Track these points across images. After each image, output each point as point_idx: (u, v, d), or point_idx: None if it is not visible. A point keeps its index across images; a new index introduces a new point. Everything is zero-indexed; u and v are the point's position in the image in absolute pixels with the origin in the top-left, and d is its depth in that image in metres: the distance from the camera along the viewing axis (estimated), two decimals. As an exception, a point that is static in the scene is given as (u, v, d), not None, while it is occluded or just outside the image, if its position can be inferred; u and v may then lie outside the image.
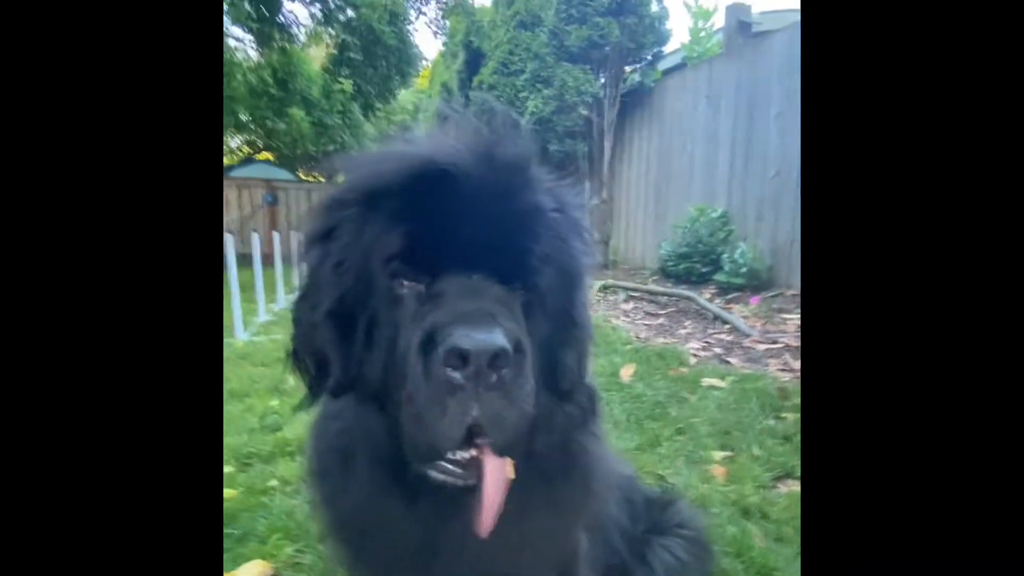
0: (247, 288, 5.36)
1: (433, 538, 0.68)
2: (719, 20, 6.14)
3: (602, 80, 6.80)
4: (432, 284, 0.57)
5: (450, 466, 0.56)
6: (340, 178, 0.69)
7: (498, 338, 0.50)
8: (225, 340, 3.93)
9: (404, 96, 13.11)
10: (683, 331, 3.97)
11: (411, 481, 0.62)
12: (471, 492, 0.58)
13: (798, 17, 5.58)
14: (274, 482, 1.78)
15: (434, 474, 0.57)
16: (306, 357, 0.67)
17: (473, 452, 0.56)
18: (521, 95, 6.91)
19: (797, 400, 2.37)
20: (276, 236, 6.38)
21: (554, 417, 0.67)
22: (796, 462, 1.83)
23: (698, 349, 3.43)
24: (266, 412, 2.46)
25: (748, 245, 4.78)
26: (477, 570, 0.70)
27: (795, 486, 1.71)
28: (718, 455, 1.91)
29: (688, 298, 4.67)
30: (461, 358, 0.50)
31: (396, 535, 0.69)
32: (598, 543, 1.00)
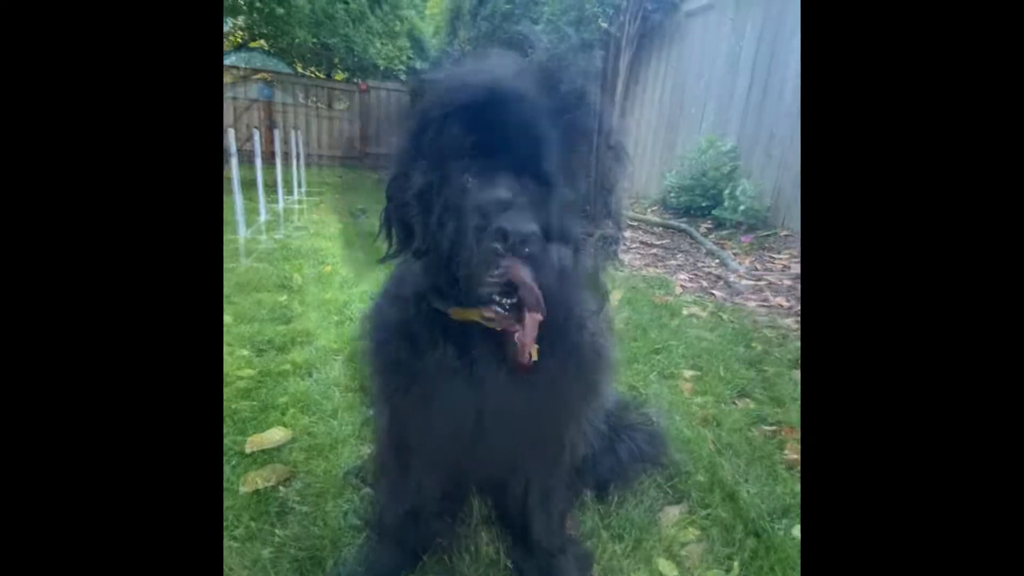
0: (247, 186, 5.35)
1: (478, 374, 0.89)
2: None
3: (626, -10, 6.34)
4: (490, 181, 0.76)
5: (498, 308, 0.77)
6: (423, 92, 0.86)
7: (531, 226, 0.70)
8: (228, 237, 4.03)
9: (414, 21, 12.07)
10: (674, 262, 4.11)
11: (461, 328, 0.85)
12: (509, 338, 0.79)
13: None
14: (288, 366, 1.98)
15: (486, 312, 0.77)
16: (395, 225, 0.86)
17: (515, 300, 0.75)
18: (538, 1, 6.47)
19: (767, 332, 2.57)
20: (276, 134, 6.24)
21: (573, 298, 0.89)
22: (756, 385, 2.05)
23: (685, 280, 3.59)
24: (276, 306, 2.62)
25: (751, 182, 4.78)
26: (509, 412, 0.92)
27: (751, 404, 1.93)
28: (688, 373, 2.13)
29: (683, 231, 4.76)
30: (503, 236, 0.69)
31: (447, 365, 0.90)
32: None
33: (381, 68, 11.88)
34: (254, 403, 1.71)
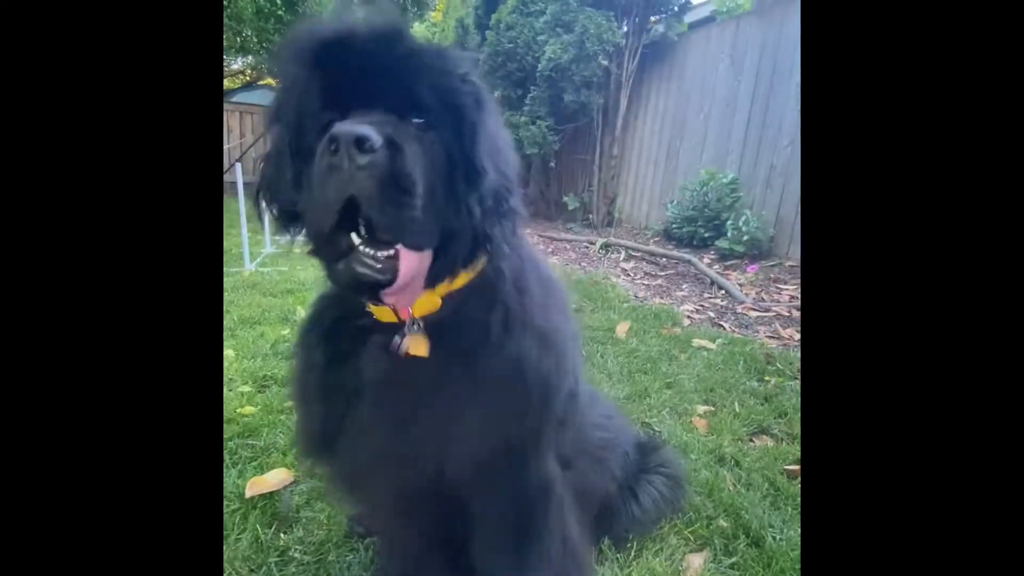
0: (252, 218, 5.38)
1: (369, 371, 0.83)
2: (753, -27, 5.86)
3: (624, 29, 6.54)
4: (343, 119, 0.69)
5: (369, 260, 0.68)
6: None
7: (364, 128, 0.62)
8: (233, 270, 4.02)
9: (417, 29, 12.52)
10: (680, 293, 4.08)
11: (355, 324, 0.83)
12: (387, 288, 0.71)
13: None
14: (290, 403, 1.92)
15: (357, 267, 0.68)
16: (268, 200, 0.81)
17: (390, 252, 0.68)
18: (540, 38, 6.66)
19: (780, 365, 2.51)
20: None
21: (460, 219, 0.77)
22: (772, 420, 1.99)
23: (692, 311, 3.55)
24: (278, 340, 2.58)
25: (753, 213, 4.81)
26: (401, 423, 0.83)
27: (768, 441, 1.87)
28: (701, 409, 2.06)
29: (688, 261, 4.75)
30: (332, 142, 0.62)
31: (337, 365, 0.86)
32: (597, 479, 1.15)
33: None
34: (255, 443, 1.65)
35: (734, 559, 1.27)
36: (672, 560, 1.26)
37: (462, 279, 0.82)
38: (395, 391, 0.82)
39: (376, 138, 0.62)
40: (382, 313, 0.82)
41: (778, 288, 4.01)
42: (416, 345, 0.80)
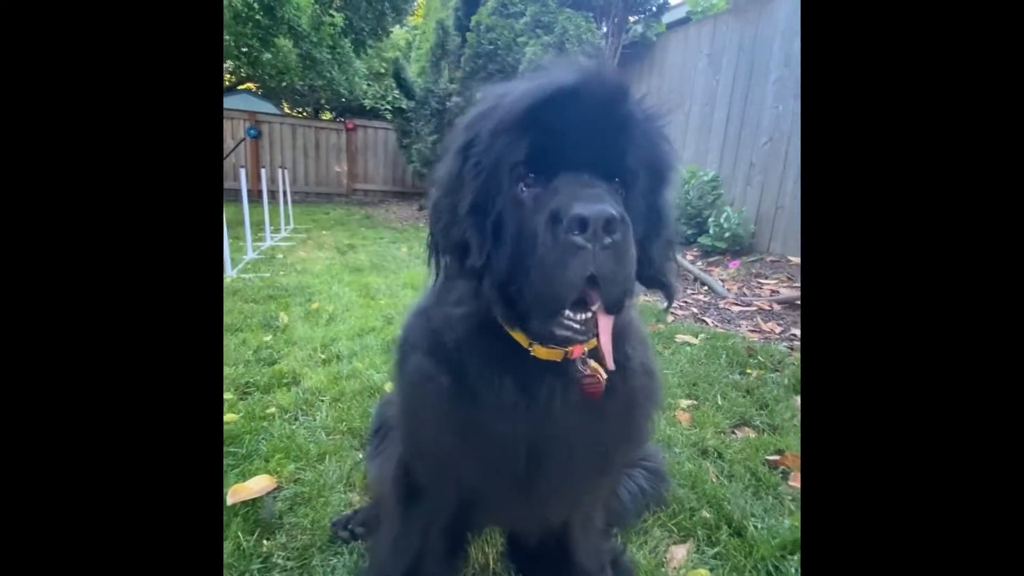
0: (233, 225, 5.32)
1: (541, 405, 0.83)
2: (728, -27, 5.96)
3: (604, 29, 6.60)
4: (548, 184, 0.71)
5: (572, 323, 0.71)
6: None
7: (609, 208, 0.64)
8: (214, 276, 3.96)
9: (396, 33, 12.47)
10: (663, 290, 4.12)
11: (523, 356, 0.81)
12: (575, 365, 0.80)
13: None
14: (273, 409, 1.91)
15: (558, 330, 0.71)
16: (445, 246, 0.80)
17: (589, 314, 0.71)
18: (520, 40, 6.68)
19: (762, 358, 2.55)
20: (264, 172, 6.26)
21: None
22: (754, 412, 2.02)
23: (676, 308, 3.59)
24: (260, 346, 2.55)
25: (734, 210, 4.87)
26: (582, 441, 0.88)
27: (750, 432, 1.89)
28: (685, 403, 2.09)
29: (671, 259, 4.80)
30: (582, 223, 0.64)
31: (512, 399, 0.84)
32: None
33: (368, 108, 12.12)
34: (237, 450, 1.63)
35: (717, 549, 1.29)
36: (656, 552, 1.27)
37: None
38: (582, 416, 0.86)
39: (619, 219, 0.65)
40: (551, 354, 0.83)
41: (759, 283, 4.07)
42: (596, 370, 0.83)
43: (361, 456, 1.59)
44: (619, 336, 0.83)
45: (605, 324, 0.72)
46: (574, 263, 0.65)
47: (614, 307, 0.71)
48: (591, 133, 0.71)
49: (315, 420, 1.85)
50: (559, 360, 0.82)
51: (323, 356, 2.47)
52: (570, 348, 0.81)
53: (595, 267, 0.65)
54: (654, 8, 6.58)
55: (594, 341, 0.77)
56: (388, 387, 2.03)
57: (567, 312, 0.70)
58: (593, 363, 0.82)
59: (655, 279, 0.83)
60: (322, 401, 2.00)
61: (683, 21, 6.57)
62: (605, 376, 0.81)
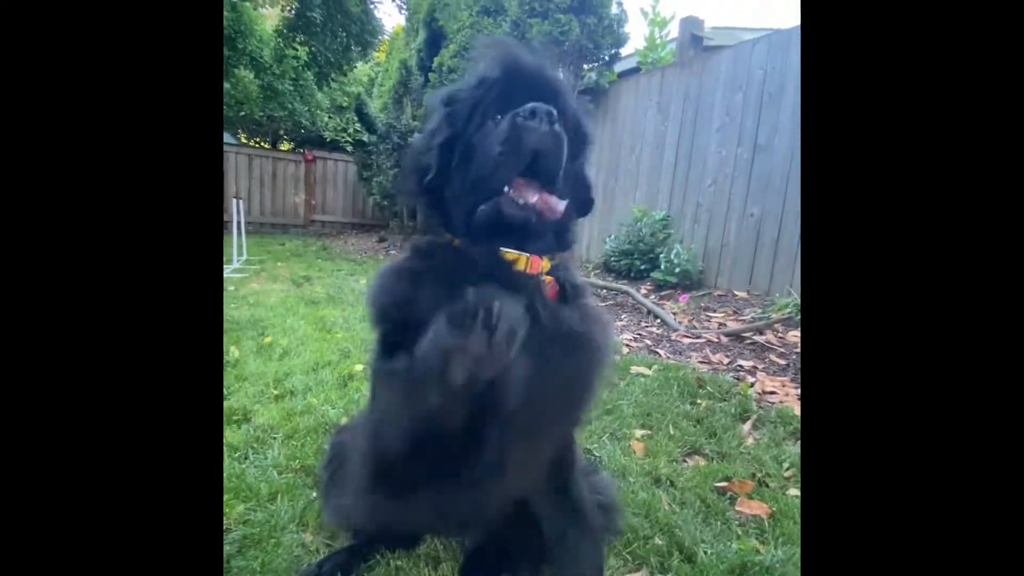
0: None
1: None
2: (674, 30, 6.46)
3: (560, 76, 6.95)
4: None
5: (517, 201, 0.88)
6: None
7: (551, 107, 0.87)
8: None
9: (360, 69, 12.64)
10: (619, 323, 4.25)
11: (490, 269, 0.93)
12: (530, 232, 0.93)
13: (746, 36, 5.96)
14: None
15: (507, 208, 0.88)
16: (413, 168, 0.98)
17: (534, 199, 0.88)
18: (481, 81, 6.94)
19: (710, 388, 2.67)
20: (234, 203, 6.13)
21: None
22: (704, 440, 2.10)
23: (630, 340, 3.71)
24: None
25: (683, 247, 5.14)
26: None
27: (700, 460, 1.97)
28: (639, 433, 2.15)
29: (626, 292, 4.97)
30: (533, 112, 0.86)
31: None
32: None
33: (328, 140, 12.11)
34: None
35: (669, 575, 1.32)
36: (611, 581, 1.29)
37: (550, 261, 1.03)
38: (547, 324, 0.94)
39: (559, 117, 0.88)
40: (519, 261, 0.94)
41: (708, 316, 4.27)
42: (551, 289, 0.98)
43: (315, 495, 1.55)
44: (564, 283, 1.02)
45: (550, 201, 0.90)
46: (524, 139, 0.85)
47: (551, 181, 0.89)
48: (542, 89, 0.92)
49: (266, 458, 1.79)
50: (523, 269, 0.93)
51: (276, 392, 2.40)
52: (528, 257, 0.93)
53: (539, 144, 0.85)
54: (606, 57, 7.01)
55: (547, 263, 0.96)
56: (343, 420, 1.99)
57: (511, 193, 0.88)
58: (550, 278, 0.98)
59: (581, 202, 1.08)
60: (274, 439, 1.94)
61: (634, 71, 7.02)
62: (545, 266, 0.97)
